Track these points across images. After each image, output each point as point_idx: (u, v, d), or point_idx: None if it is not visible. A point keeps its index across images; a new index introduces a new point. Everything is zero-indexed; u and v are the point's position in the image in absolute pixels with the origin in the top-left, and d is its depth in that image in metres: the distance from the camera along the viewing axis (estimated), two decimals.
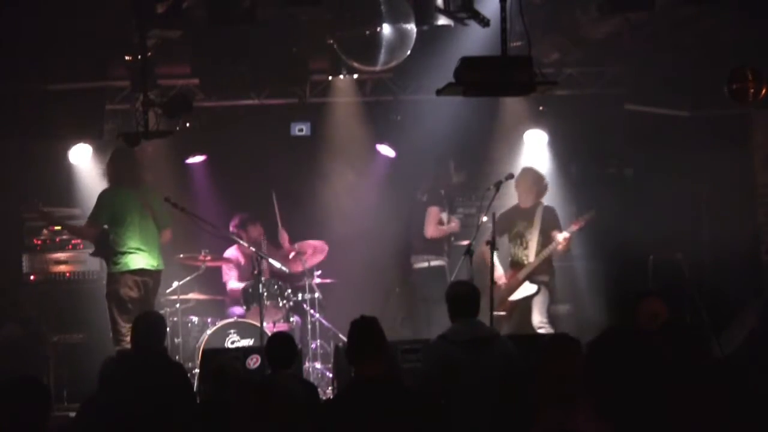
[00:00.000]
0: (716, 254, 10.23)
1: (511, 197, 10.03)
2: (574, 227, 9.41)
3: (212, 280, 10.55)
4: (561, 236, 9.39)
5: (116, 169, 9.15)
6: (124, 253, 8.90)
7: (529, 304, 9.57)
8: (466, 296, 6.43)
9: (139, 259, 8.94)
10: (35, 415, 4.53)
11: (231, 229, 10.24)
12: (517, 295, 9.59)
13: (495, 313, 9.71)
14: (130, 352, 7.05)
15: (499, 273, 9.71)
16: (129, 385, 6.23)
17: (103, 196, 9.15)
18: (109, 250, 8.94)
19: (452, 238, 10.32)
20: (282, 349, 6.34)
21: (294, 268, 10.18)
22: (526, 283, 9.56)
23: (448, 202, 10.35)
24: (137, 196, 9.04)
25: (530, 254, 9.57)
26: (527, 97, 9.61)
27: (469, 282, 6.99)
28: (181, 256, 10.00)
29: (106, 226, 8.99)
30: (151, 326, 6.78)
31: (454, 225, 10.25)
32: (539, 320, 9.50)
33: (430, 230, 10.09)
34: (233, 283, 10.38)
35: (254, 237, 10.23)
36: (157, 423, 5.47)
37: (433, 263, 10.14)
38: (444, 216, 10.21)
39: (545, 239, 9.53)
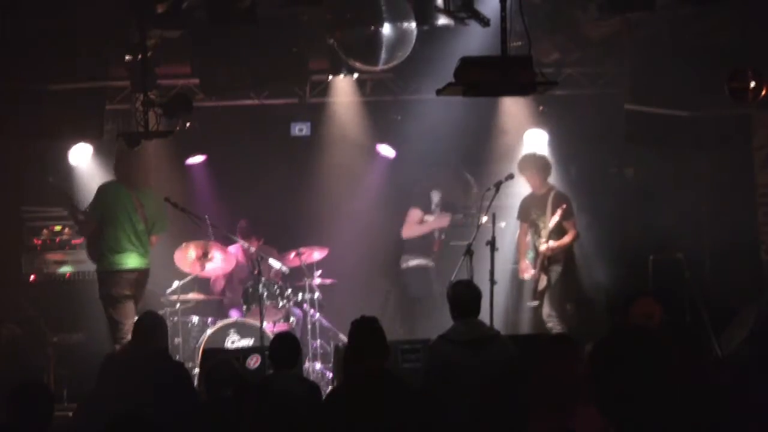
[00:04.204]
0: (716, 254, 10.23)
1: (510, 197, 10.02)
2: (557, 217, 9.34)
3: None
4: (542, 247, 9.42)
5: (123, 167, 9.06)
6: (116, 251, 8.83)
7: (553, 291, 9.56)
8: (466, 296, 6.44)
9: (131, 258, 8.88)
10: (38, 418, 4.54)
11: (238, 231, 10.25)
12: (541, 284, 9.62)
13: (529, 303, 9.75)
14: (130, 349, 7.05)
15: (524, 265, 9.75)
16: (129, 383, 6.24)
17: (100, 190, 9.05)
18: (100, 247, 8.88)
19: (442, 236, 10.29)
20: (285, 350, 6.34)
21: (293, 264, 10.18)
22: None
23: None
24: (133, 197, 8.97)
25: (544, 243, 9.56)
26: (527, 97, 9.63)
27: (469, 282, 6.98)
28: None
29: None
30: (153, 325, 6.82)
31: (436, 223, 10.21)
32: (547, 312, 9.47)
33: (405, 230, 10.24)
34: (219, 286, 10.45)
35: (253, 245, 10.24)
36: (158, 421, 5.46)
37: (412, 263, 10.22)
38: (429, 218, 10.25)
39: (559, 227, 9.48)
